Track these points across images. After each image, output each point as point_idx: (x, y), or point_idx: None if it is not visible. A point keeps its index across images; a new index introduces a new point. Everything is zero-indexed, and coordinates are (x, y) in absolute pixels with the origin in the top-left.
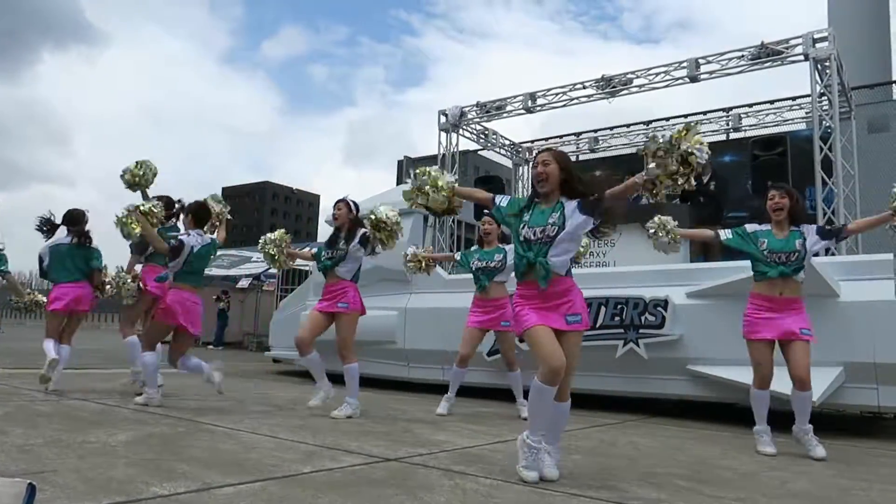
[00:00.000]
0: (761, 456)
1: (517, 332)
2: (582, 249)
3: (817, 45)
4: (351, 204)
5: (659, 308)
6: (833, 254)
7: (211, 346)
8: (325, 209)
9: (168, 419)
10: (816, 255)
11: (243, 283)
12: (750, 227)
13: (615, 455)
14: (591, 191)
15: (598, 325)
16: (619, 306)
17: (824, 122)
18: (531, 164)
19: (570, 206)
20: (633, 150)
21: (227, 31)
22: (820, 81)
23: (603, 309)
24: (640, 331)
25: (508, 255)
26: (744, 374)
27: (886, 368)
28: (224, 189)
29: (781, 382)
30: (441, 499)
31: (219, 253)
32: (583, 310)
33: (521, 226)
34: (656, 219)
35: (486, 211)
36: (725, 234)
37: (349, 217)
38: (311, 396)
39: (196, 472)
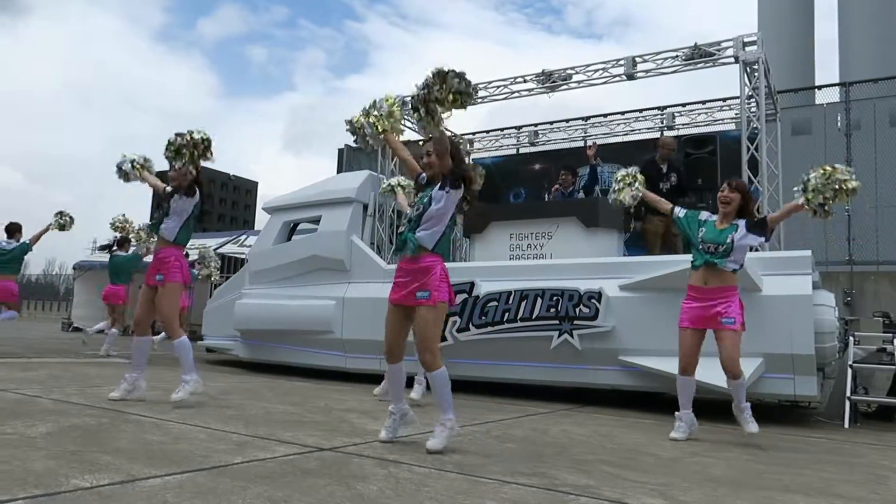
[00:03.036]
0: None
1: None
2: None
3: (747, 49)
4: None
5: (593, 300)
6: (757, 249)
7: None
8: (264, 196)
9: (92, 410)
10: (753, 249)
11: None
12: (703, 215)
13: (547, 443)
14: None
15: (533, 317)
16: (555, 298)
17: (752, 124)
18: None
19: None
20: (571, 144)
21: (161, 8)
22: (748, 84)
23: (539, 300)
24: (575, 322)
25: None
26: (672, 365)
27: (802, 359)
28: (157, 174)
29: (714, 374)
30: (374, 488)
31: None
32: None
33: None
34: (631, 169)
35: None
36: (680, 211)
37: None
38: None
39: (120, 463)
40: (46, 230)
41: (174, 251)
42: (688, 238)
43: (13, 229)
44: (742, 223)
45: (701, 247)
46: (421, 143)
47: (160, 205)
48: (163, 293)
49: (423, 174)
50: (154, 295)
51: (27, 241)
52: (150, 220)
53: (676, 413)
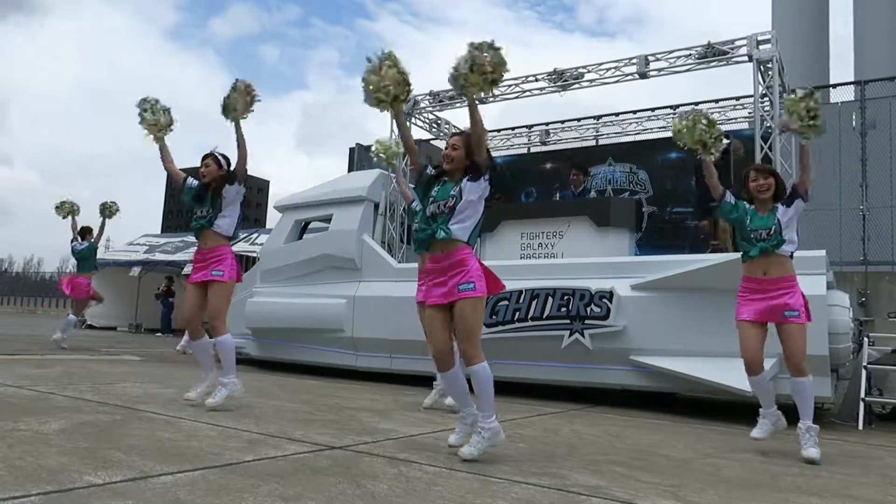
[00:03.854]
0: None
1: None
2: None
3: (761, 47)
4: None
5: (604, 299)
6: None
7: (159, 334)
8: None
9: (105, 407)
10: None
11: (189, 269)
12: (744, 205)
13: (557, 443)
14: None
15: (544, 316)
16: (566, 297)
17: (765, 123)
18: None
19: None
20: (583, 143)
21: (174, 6)
22: (762, 82)
23: (550, 300)
24: (586, 321)
25: None
26: (684, 365)
27: (816, 360)
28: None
29: (727, 374)
30: (384, 486)
31: (164, 241)
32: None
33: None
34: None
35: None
36: (730, 196)
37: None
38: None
39: (133, 460)
40: (102, 226)
41: (229, 248)
42: (739, 224)
43: (84, 232)
44: (779, 204)
45: (753, 235)
46: (451, 135)
47: (200, 199)
48: (219, 290)
49: (430, 167)
50: (204, 293)
51: (93, 241)
52: (196, 216)
53: (760, 410)
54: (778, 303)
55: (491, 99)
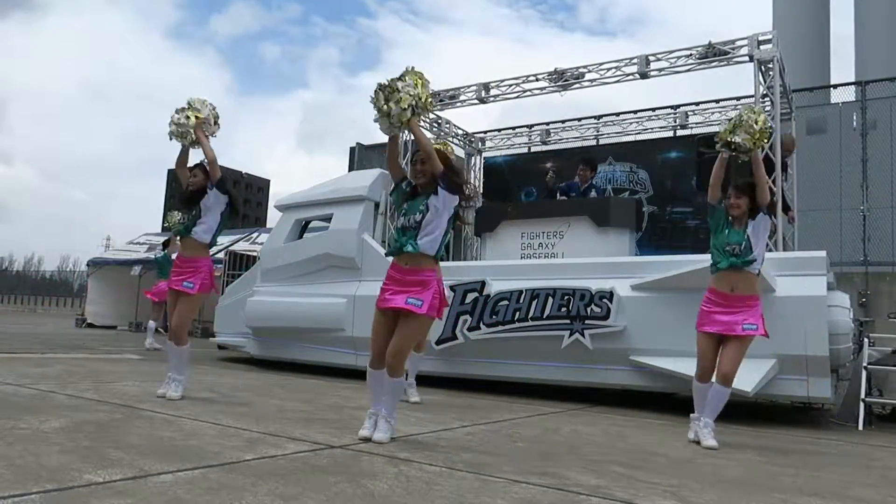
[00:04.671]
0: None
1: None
2: None
3: (761, 47)
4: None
5: (604, 299)
6: (771, 249)
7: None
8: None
9: (105, 405)
10: (767, 240)
11: (136, 270)
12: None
13: (557, 443)
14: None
15: (545, 316)
16: (566, 297)
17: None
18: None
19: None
20: (584, 143)
21: (174, 4)
22: (763, 83)
23: (550, 300)
24: (586, 322)
25: None
26: (683, 365)
27: (816, 361)
28: (169, 171)
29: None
30: (384, 486)
31: (165, 238)
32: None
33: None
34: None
35: None
36: (721, 202)
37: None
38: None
39: (133, 459)
40: (169, 239)
41: (205, 260)
42: (716, 230)
43: (166, 244)
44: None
45: (727, 248)
46: (411, 152)
47: (188, 204)
48: (187, 301)
49: (407, 180)
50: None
51: (166, 252)
52: (178, 222)
53: (692, 415)
54: (737, 318)
55: (491, 99)
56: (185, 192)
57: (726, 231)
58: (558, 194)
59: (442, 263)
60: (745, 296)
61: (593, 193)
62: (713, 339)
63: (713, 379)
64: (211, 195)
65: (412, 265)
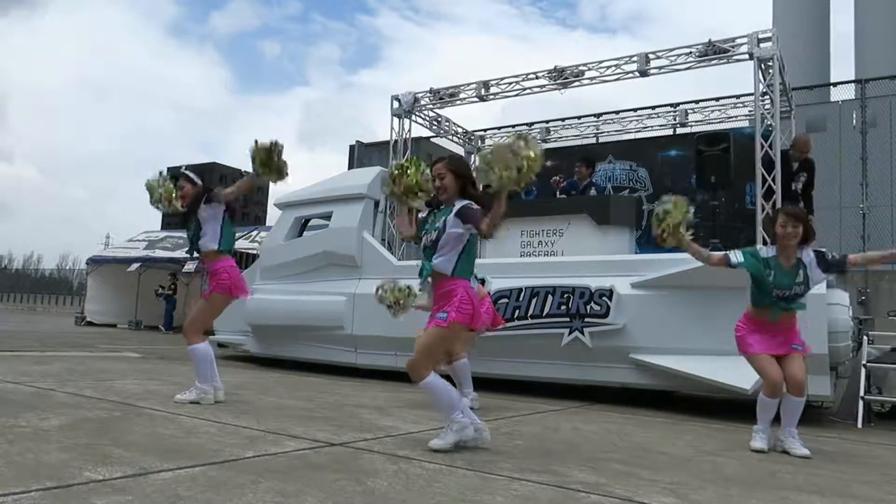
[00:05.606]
0: (753, 451)
1: None
2: None
3: (761, 45)
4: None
5: (604, 298)
6: None
7: (162, 329)
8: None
9: (105, 403)
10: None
11: (189, 267)
12: (762, 251)
13: (557, 440)
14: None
15: (544, 314)
16: (566, 295)
17: (766, 121)
18: None
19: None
20: (584, 141)
21: (173, 0)
22: (763, 81)
23: (550, 298)
24: (586, 320)
25: None
26: (683, 363)
27: (815, 359)
28: (169, 169)
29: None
30: (384, 483)
31: (164, 235)
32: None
33: None
34: (674, 200)
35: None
36: (737, 256)
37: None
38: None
39: (133, 456)
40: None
41: (223, 262)
42: (758, 282)
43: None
44: (813, 261)
45: (775, 293)
46: (433, 163)
47: (186, 221)
48: (201, 302)
49: (427, 210)
50: None
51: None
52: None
53: (755, 427)
54: (784, 338)
55: (491, 97)
56: (180, 211)
57: (771, 274)
58: (558, 192)
59: None
60: (788, 323)
61: (593, 191)
62: (771, 357)
63: (785, 390)
64: (204, 207)
65: (436, 280)
